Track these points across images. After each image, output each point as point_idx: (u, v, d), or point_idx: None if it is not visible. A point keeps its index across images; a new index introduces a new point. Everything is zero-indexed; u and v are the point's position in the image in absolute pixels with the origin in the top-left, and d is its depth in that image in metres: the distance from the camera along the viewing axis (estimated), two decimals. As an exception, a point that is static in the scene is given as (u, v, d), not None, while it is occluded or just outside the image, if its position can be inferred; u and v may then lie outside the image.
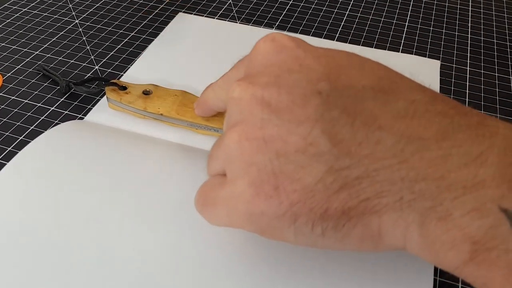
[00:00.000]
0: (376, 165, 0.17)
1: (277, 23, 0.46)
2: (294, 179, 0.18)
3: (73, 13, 0.46)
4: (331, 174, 0.18)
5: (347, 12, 0.48)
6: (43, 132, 0.32)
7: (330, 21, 0.46)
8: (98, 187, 0.28)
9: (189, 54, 0.40)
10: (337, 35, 0.44)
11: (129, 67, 0.39)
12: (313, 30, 0.45)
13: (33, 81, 0.38)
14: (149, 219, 0.26)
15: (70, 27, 0.44)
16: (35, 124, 0.34)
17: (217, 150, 0.21)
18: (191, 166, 0.29)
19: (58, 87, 0.37)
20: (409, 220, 0.17)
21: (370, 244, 0.19)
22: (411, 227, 0.17)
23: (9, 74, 0.38)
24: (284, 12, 0.47)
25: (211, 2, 0.48)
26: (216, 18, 0.46)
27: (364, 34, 0.45)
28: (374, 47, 0.43)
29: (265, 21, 0.46)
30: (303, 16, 0.47)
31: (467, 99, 0.38)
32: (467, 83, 0.39)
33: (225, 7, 0.48)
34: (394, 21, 0.47)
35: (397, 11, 0.48)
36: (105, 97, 0.35)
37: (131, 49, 0.41)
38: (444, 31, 0.46)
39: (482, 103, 0.37)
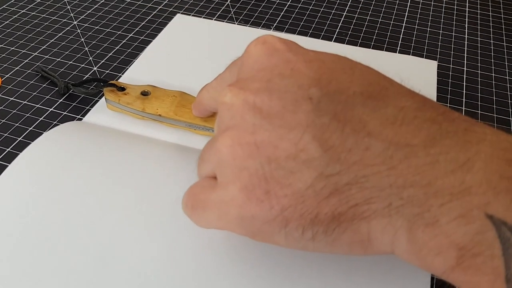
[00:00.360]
0: (365, 172, 0.18)
1: (275, 24, 0.46)
2: (285, 184, 0.18)
3: (72, 14, 0.46)
4: (321, 180, 0.18)
5: (345, 13, 0.48)
6: (42, 133, 0.32)
7: (328, 22, 0.47)
8: (97, 188, 0.28)
9: (187, 55, 0.41)
10: (335, 35, 0.45)
11: (128, 68, 0.39)
12: (310, 31, 0.45)
13: (31, 82, 0.38)
14: (148, 219, 0.26)
15: (68, 28, 0.44)
16: (34, 125, 0.34)
17: (209, 153, 0.21)
18: (190, 166, 0.29)
19: (57, 88, 0.37)
20: (397, 226, 0.18)
21: (360, 249, 0.19)
22: (399, 232, 0.18)
23: (7, 75, 0.38)
24: (282, 13, 0.48)
25: (209, 3, 0.48)
26: (214, 19, 0.46)
27: (362, 34, 0.45)
28: (372, 48, 0.43)
29: (263, 22, 0.46)
30: (300, 17, 0.47)
31: (464, 100, 0.38)
32: (464, 84, 0.39)
33: (223, 8, 0.48)
34: (392, 22, 0.47)
35: (394, 11, 0.49)
36: (103, 98, 0.35)
37: (129, 50, 0.42)
38: (441, 31, 0.46)
39: (479, 103, 0.38)
